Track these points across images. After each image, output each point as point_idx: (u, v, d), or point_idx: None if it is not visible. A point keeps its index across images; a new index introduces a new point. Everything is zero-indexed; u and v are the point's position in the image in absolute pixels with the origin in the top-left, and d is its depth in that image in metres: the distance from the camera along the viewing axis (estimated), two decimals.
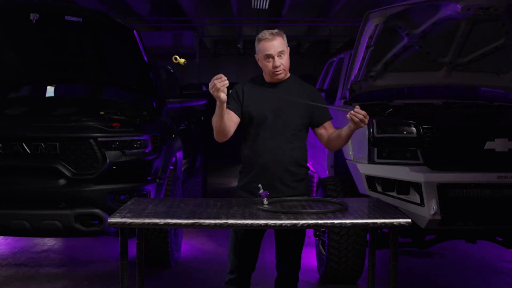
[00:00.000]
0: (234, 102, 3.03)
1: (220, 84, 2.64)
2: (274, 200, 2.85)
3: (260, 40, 2.97)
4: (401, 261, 4.43)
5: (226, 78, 2.66)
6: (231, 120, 2.94)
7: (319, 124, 3.08)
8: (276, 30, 2.99)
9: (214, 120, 2.87)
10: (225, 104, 2.78)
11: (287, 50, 3.01)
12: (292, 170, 3.02)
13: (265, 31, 2.99)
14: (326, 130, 3.08)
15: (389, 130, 3.94)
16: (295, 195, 3.02)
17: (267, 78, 3.08)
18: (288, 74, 3.09)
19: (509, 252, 5.14)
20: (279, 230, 3.05)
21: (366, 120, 2.76)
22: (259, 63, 3.04)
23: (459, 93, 5.47)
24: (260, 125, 3.01)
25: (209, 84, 2.67)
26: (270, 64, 2.96)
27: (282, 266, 3.15)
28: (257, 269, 3.21)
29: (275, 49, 2.93)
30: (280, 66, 2.95)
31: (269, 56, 2.94)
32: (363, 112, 2.75)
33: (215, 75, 2.66)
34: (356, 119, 2.75)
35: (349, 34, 15.60)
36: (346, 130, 2.90)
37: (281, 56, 2.96)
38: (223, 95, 2.69)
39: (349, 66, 4.63)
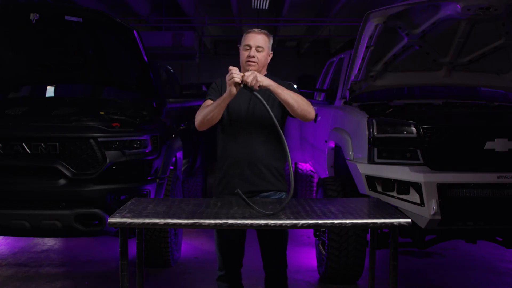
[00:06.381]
0: (215, 93, 3.10)
1: (237, 76, 2.72)
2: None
3: (247, 33, 3.10)
4: (401, 261, 4.43)
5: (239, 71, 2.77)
6: None
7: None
8: (266, 31, 3.11)
9: (210, 110, 2.93)
10: (230, 99, 2.84)
11: (267, 50, 3.08)
12: (267, 164, 3.05)
13: (255, 28, 3.12)
14: None
15: (389, 130, 3.94)
16: (271, 189, 3.06)
17: (242, 72, 3.11)
18: (264, 72, 3.12)
19: (509, 252, 5.14)
20: (261, 231, 3.09)
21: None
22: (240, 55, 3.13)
23: (459, 93, 5.47)
24: (235, 120, 3.05)
25: (227, 76, 2.75)
26: (246, 53, 3.05)
27: (268, 267, 3.18)
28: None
29: (255, 41, 3.04)
30: (254, 57, 3.03)
31: (248, 46, 3.04)
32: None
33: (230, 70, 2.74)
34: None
35: (349, 34, 15.60)
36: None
37: (258, 50, 3.04)
38: (234, 89, 2.78)
39: (349, 66, 4.63)
